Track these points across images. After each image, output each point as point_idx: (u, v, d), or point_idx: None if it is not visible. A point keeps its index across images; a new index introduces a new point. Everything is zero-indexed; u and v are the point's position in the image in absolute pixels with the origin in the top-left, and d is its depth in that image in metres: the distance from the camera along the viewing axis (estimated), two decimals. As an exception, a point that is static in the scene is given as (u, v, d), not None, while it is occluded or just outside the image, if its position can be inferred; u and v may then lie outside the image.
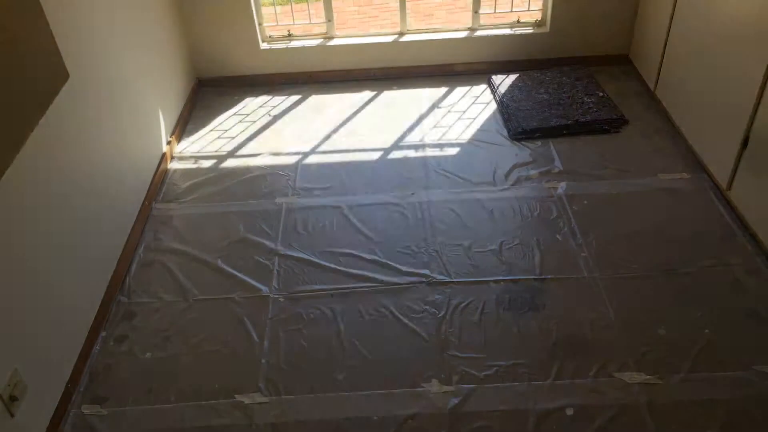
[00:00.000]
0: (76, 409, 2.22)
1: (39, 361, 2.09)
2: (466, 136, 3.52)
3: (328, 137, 3.57)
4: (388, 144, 3.49)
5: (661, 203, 2.97)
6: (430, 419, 2.12)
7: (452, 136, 3.53)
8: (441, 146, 3.45)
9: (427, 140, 3.48)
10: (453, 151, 3.41)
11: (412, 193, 3.11)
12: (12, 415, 1.91)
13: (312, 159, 3.41)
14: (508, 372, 2.26)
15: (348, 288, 2.62)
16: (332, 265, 2.73)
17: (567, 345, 2.34)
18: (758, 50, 2.56)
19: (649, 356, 2.28)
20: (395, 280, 2.65)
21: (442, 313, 2.48)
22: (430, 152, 3.40)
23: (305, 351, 2.38)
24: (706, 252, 2.68)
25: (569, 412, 2.11)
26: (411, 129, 3.60)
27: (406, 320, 2.47)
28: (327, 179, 3.24)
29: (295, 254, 2.79)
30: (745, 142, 2.71)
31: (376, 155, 3.42)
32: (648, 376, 2.21)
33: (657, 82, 3.62)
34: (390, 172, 3.28)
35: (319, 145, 3.51)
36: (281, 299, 2.59)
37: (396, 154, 3.42)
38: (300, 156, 3.44)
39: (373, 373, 2.28)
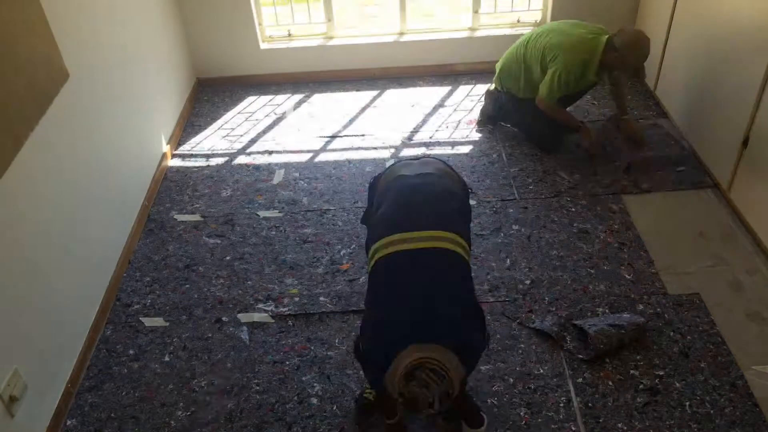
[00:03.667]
0: (77, 409, 2.22)
1: (39, 361, 2.09)
2: (475, 135, 3.52)
3: (329, 137, 3.57)
4: (397, 142, 3.49)
5: (662, 203, 2.97)
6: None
7: (460, 135, 3.53)
8: (451, 144, 3.45)
9: (436, 138, 3.49)
10: (461, 149, 3.40)
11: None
12: (12, 416, 1.91)
13: (313, 159, 3.41)
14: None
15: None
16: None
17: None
18: (758, 50, 2.56)
19: (649, 356, 2.28)
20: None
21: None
22: (438, 150, 3.39)
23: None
24: (706, 252, 2.68)
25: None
26: (417, 128, 3.59)
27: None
28: (328, 179, 3.24)
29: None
30: (745, 142, 2.71)
31: (382, 153, 3.41)
32: (648, 376, 2.21)
33: (657, 82, 3.62)
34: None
35: (323, 147, 3.50)
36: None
37: (405, 153, 3.42)
38: (301, 156, 3.44)
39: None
